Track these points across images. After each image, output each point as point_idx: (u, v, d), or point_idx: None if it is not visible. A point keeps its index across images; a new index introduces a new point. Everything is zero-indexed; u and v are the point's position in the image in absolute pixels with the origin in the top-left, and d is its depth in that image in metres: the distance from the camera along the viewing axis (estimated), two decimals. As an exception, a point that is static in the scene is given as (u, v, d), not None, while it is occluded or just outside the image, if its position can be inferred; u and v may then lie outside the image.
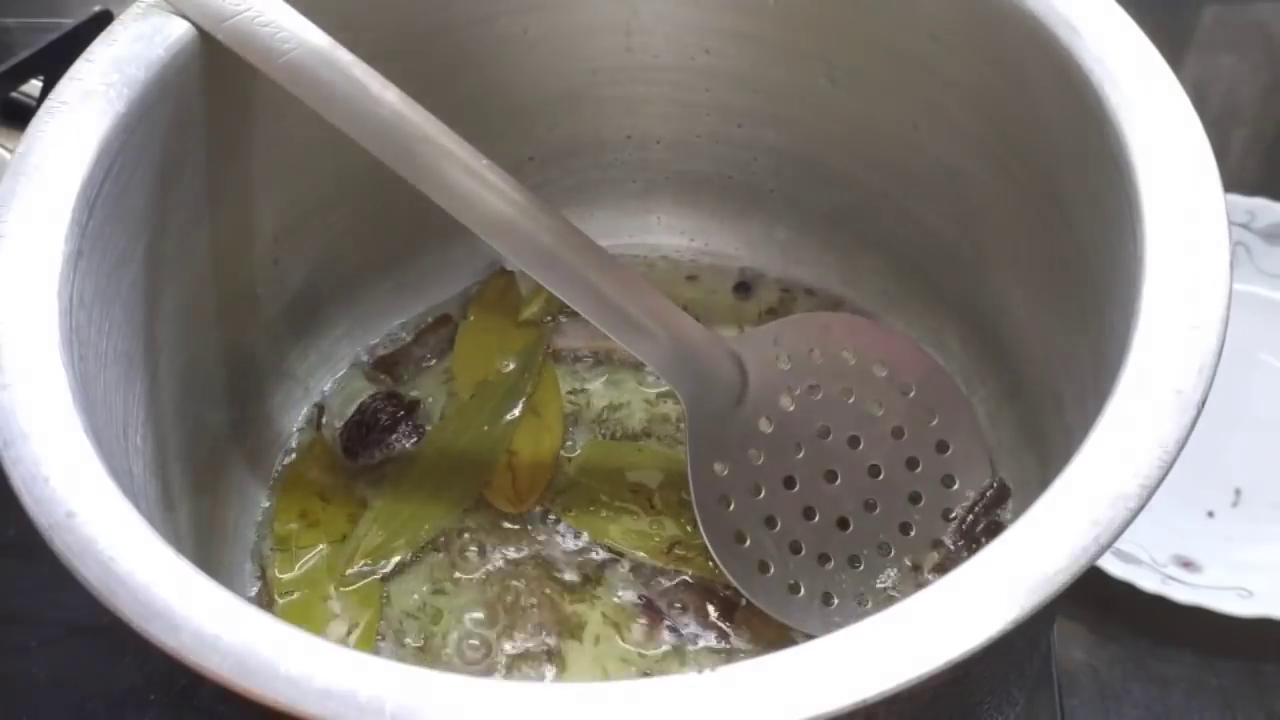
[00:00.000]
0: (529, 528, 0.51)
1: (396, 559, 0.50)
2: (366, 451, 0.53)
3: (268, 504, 0.52)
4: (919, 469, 0.48)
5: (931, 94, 0.48)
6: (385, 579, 0.50)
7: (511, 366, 0.55)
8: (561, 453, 0.53)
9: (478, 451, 0.53)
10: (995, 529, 0.48)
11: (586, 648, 0.47)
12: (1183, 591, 0.52)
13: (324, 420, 0.54)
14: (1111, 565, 0.52)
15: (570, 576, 0.49)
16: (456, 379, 0.55)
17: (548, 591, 0.49)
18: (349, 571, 0.50)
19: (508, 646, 0.48)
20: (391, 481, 0.52)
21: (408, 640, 0.48)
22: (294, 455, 0.54)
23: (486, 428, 0.53)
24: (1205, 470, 0.56)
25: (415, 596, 0.49)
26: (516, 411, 0.54)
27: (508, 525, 0.51)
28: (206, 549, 0.47)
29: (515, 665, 0.47)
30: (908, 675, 0.29)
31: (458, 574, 0.50)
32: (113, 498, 0.33)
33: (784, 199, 0.57)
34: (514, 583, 0.49)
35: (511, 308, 0.58)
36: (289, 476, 0.53)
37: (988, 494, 0.48)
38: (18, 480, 0.33)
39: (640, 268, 0.59)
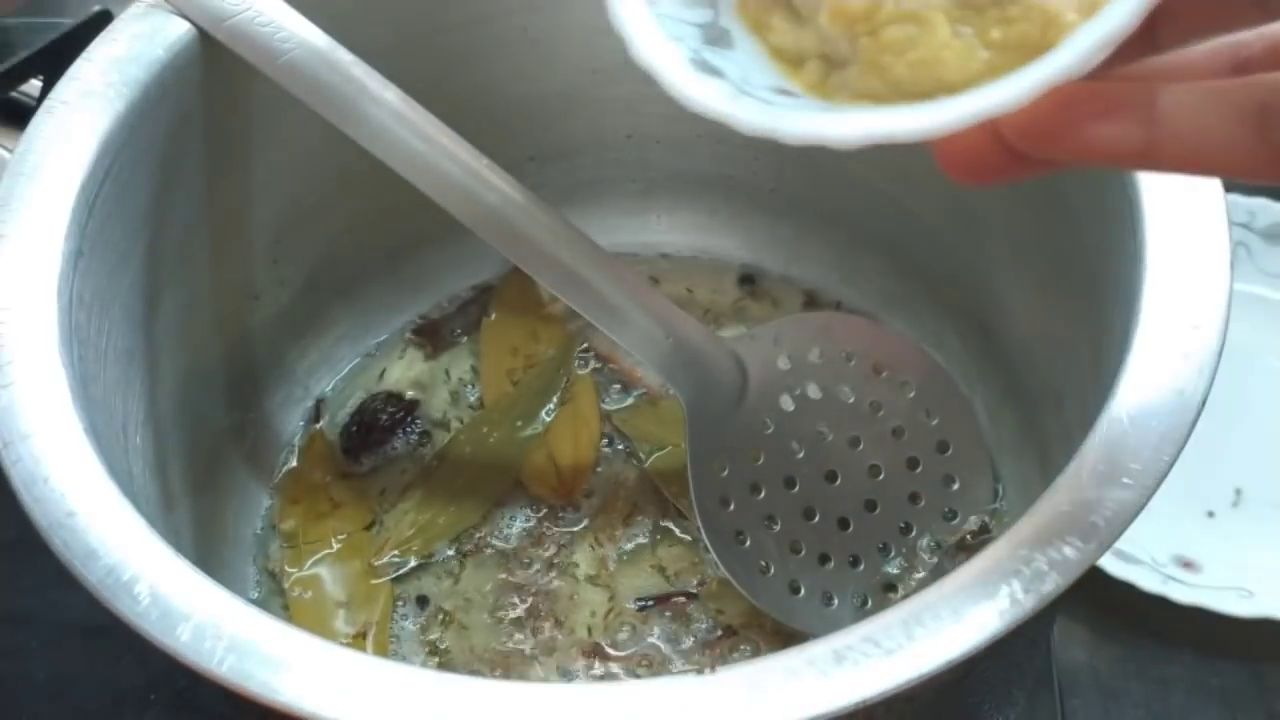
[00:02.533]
0: (561, 522, 0.51)
1: (427, 551, 0.50)
2: (367, 452, 0.53)
3: (269, 503, 0.52)
4: (919, 469, 0.48)
5: (932, 93, 0.48)
6: (400, 578, 0.50)
7: (545, 359, 0.56)
8: (603, 446, 0.53)
9: (511, 447, 0.53)
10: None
11: (599, 639, 0.48)
12: (1183, 591, 0.52)
13: (323, 420, 0.54)
14: (1111, 565, 0.52)
15: (591, 570, 0.49)
16: (483, 377, 0.55)
17: (567, 586, 0.49)
18: (378, 563, 0.50)
19: (522, 643, 0.48)
20: (422, 476, 0.52)
21: (421, 637, 0.48)
22: (295, 455, 0.53)
23: (520, 423, 0.54)
24: (1205, 470, 0.56)
25: (431, 593, 0.49)
26: (551, 406, 0.54)
27: (538, 521, 0.51)
28: (207, 549, 0.47)
29: (529, 664, 0.47)
30: (908, 675, 0.29)
31: (474, 570, 0.50)
32: (112, 498, 0.33)
33: (784, 199, 0.57)
34: (533, 576, 0.49)
35: (534, 303, 0.57)
36: (293, 475, 0.53)
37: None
38: (17, 480, 0.33)
39: (640, 267, 0.59)
